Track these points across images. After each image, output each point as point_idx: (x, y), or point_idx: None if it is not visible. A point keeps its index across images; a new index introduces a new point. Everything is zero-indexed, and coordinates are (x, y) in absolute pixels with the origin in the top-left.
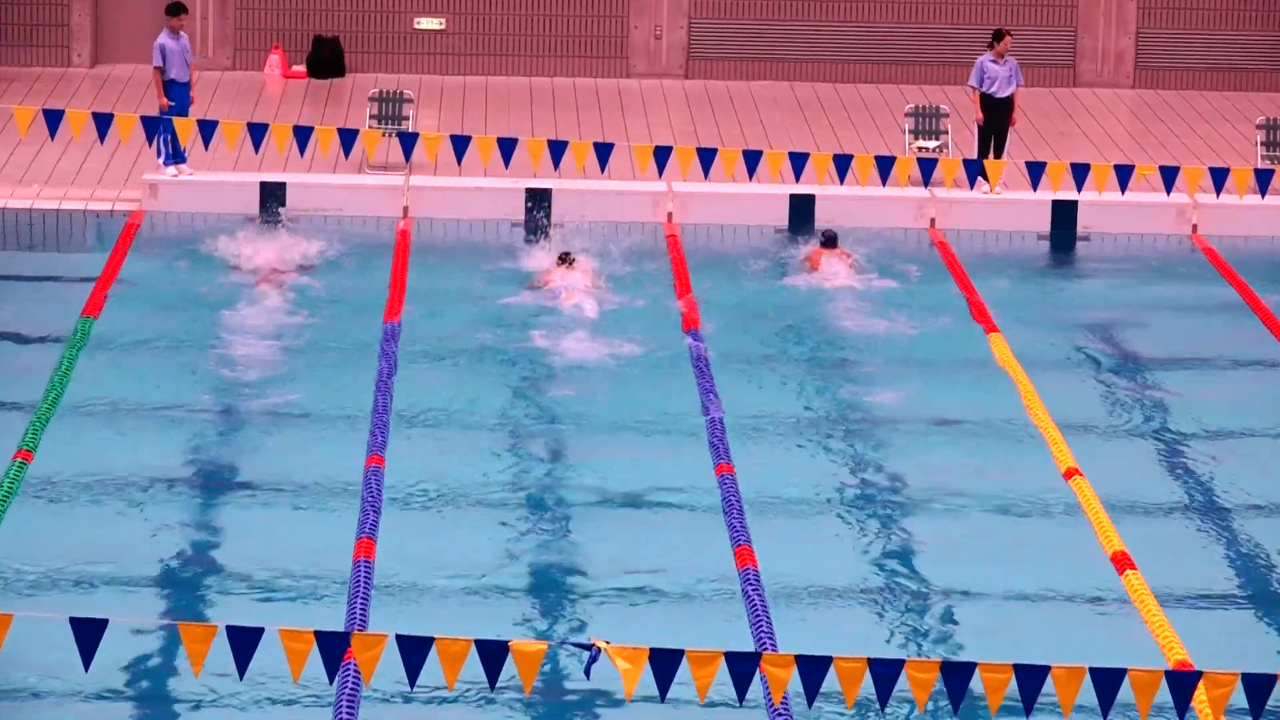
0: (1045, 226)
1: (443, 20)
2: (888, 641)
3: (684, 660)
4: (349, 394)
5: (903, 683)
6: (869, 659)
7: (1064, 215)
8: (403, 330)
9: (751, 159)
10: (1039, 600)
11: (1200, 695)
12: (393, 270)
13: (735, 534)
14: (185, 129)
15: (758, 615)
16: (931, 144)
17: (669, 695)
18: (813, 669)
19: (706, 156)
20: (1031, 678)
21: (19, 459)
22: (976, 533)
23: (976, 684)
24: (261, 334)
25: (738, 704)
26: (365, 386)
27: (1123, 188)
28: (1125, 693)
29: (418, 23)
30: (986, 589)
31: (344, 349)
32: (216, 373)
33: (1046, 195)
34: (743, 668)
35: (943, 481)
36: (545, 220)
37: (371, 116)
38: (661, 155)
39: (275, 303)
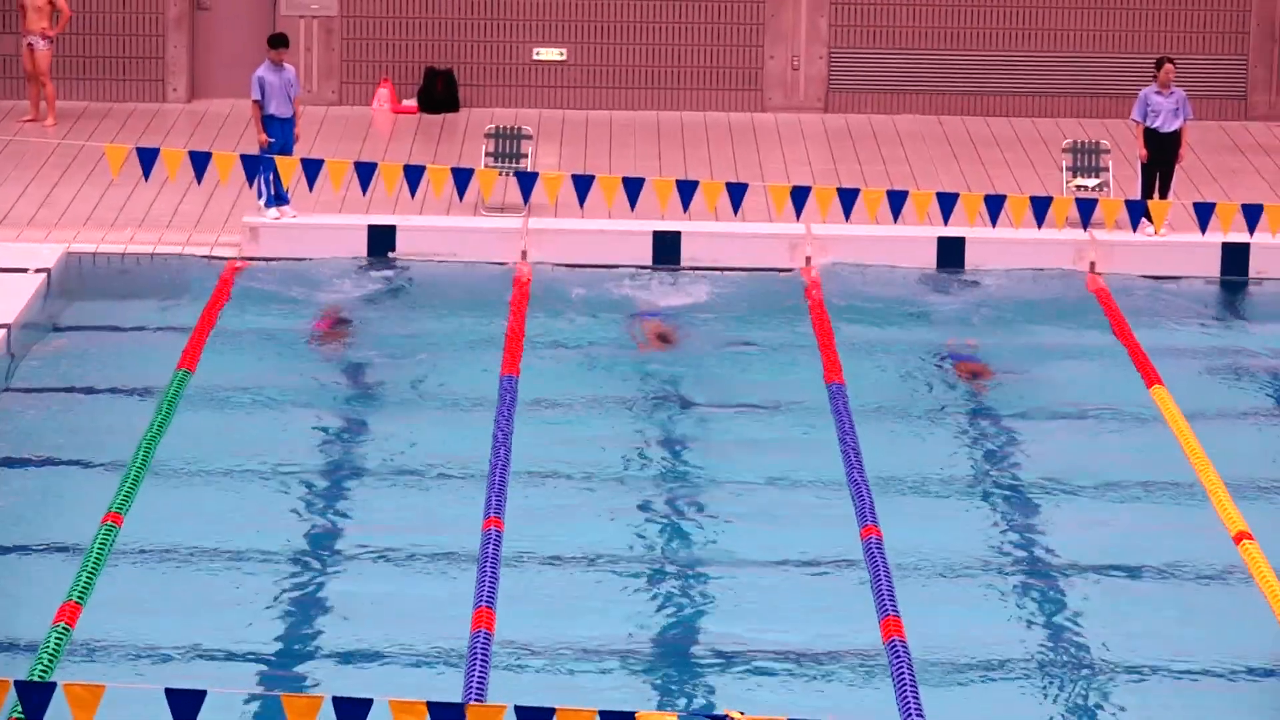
0: (1215, 271)
1: (564, 50)
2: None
3: None
4: (464, 452)
5: None
6: None
7: (1235, 259)
8: (521, 384)
9: (896, 199)
10: (1210, 675)
11: None
12: (510, 320)
13: (882, 603)
14: (288, 168)
15: (904, 688)
16: (1091, 182)
17: None
18: None
19: (848, 197)
20: None
21: (108, 522)
22: (1141, 600)
23: None
24: (369, 388)
25: None
26: (481, 444)
27: None
28: None
29: (537, 53)
30: (1153, 662)
31: (458, 404)
32: (319, 429)
33: (1216, 238)
34: None
35: (1103, 544)
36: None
37: (487, 154)
38: (799, 195)
39: (385, 355)
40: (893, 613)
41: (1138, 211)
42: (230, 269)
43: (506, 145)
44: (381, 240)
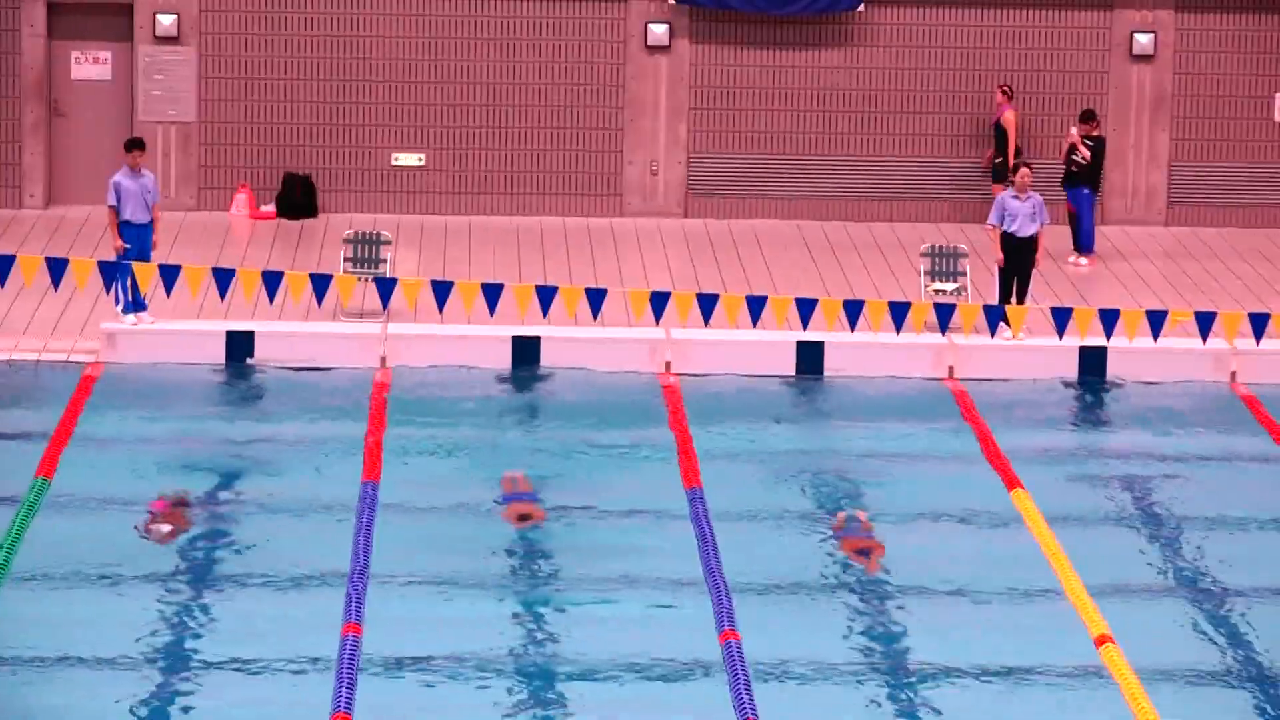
0: (1073, 374)
1: (423, 156)
2: None
3: None
4: (324, 557)
5: None
6: None
7: (1093, 363)
8: (381, 489)
9: (756, 304)
10: None
11: None
12: (369, 425)
13: (740, 707)
14: (146, 274)
15: None
16: (949, 287)
17: None
18: None
19: (707, 302)
20: None
21: None
22: (1001, 705)
23: None
24: (228, 496)
25: None
26: (341, 550)
27: (1155, 334)
28: None
29: (395, 159)
30: None
31: (318, 510)
32: (179, 538)
33: (1074, 342)
34: None
35: (962, 649)
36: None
37: (346, 259)
38: (659, 300)
39: (244, 463)
40: (751, 714)
41: (996, 316)
42: (88, 375)
43: (365, 250)
44: (240, 346)
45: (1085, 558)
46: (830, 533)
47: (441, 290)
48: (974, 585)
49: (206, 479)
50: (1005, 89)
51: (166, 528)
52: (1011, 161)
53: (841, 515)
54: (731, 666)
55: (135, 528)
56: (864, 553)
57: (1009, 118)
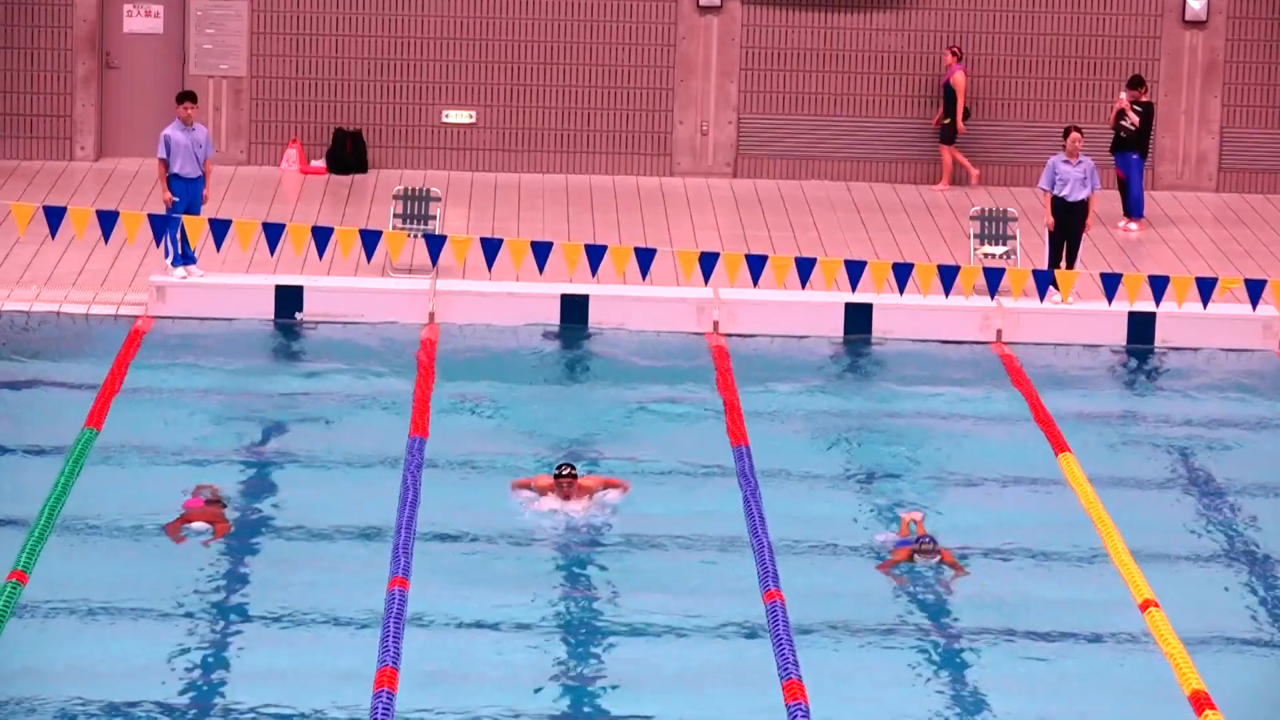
0: (1121, 340)
1: (473, 113)
2: None
3: None
4: (370, 513)
5: None
6: None
7: (1141, 328)
8: (428, 446)
9: (804, 266)
10: None
11: None
12: (417, 381)
13: (784, 666)
14: (195, 228)
15: None
16: (999, 250)
17: None
18: None
19: (756, 263)
20: None
21: (12, 580)
22: (1045, 666)
23: None
24: (276, 450)
25: None
26: (388, 505)
27: (1204, 300)
28: None
29: (446, 115)
30: None
31: (365, 465)
32: (227, 491)
33: (1122, 307)
34: None
35: (1005, 612)
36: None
37: (396, 216)
38: (707, 261)
39: (291, 417)
40: (795, 676)
41: (1045, 280)
42: (137, 328)
43: (415, 207)
44: (289, 300)
45: (1131, 523)
46: (875, 492)
47: (491, 247)
48: (1018, 549)
49: (253, 432)
50: (955, 50)
51: (204, 530)
52: (961, 124)
53: (906, 517)
54: (775, 627)
55: (164, 528)
56: (925, 552)
57: (959, 79)
